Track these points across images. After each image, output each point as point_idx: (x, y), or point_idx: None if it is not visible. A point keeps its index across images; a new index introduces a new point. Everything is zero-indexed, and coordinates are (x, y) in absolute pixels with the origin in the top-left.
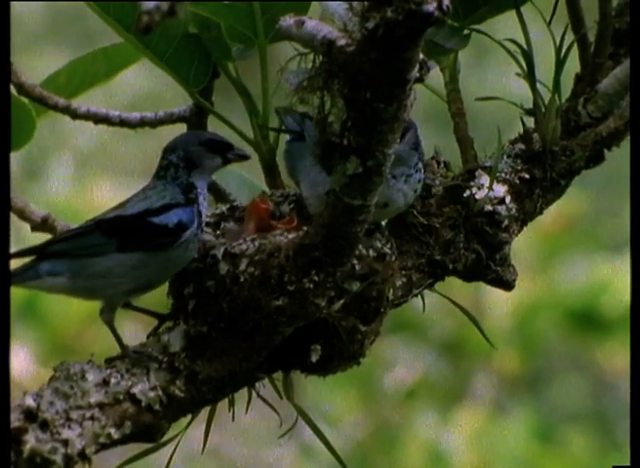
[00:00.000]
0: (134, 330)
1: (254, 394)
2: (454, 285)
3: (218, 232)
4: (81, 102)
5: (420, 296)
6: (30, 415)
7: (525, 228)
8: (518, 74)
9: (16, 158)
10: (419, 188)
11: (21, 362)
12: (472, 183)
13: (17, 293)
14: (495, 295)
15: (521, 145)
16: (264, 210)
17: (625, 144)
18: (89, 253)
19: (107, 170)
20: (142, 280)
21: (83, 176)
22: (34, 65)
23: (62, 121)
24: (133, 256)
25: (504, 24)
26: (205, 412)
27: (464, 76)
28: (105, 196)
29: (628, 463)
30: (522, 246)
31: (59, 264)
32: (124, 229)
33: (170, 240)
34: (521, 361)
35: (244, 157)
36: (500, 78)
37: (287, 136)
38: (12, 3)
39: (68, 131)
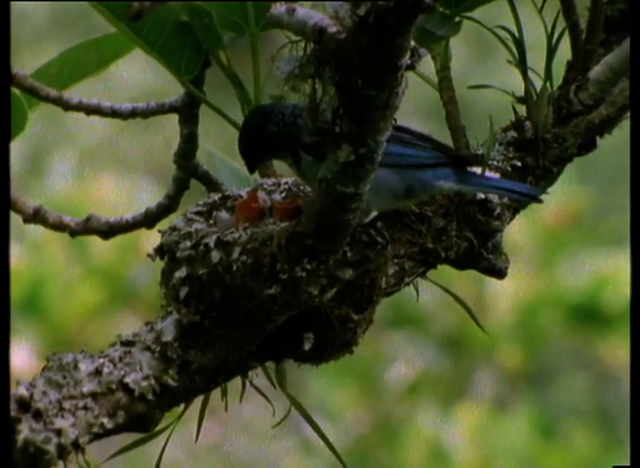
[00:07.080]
0: (132, 322)
1: (247, 384)
2: (455, 280)
3: (210, 221)
4: (74, 94)
5: (412, 286)
6: (23, 405)
7: (527, 223)
8: (509, 61)
9: (18, 153)
10: None
11: (22, 357)
12: None
13: (18, 289)
14: (496, 291)
15: (513, 133)
16: (255, 209)
17: (627, 140)
18: None
19: (110, 165)
20: None
21: (85, 172)
22: (37, 63)
23: (64, 116)
24: None
25: (496, 12)
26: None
27: (457, 65)
28: (108, 191)
29: (629, 459)
30: (524, 241)
31: None
32: None
33: None
34: (523, 356)
35: None
36: (493, 67)
37: None
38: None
39: (71, 126)
